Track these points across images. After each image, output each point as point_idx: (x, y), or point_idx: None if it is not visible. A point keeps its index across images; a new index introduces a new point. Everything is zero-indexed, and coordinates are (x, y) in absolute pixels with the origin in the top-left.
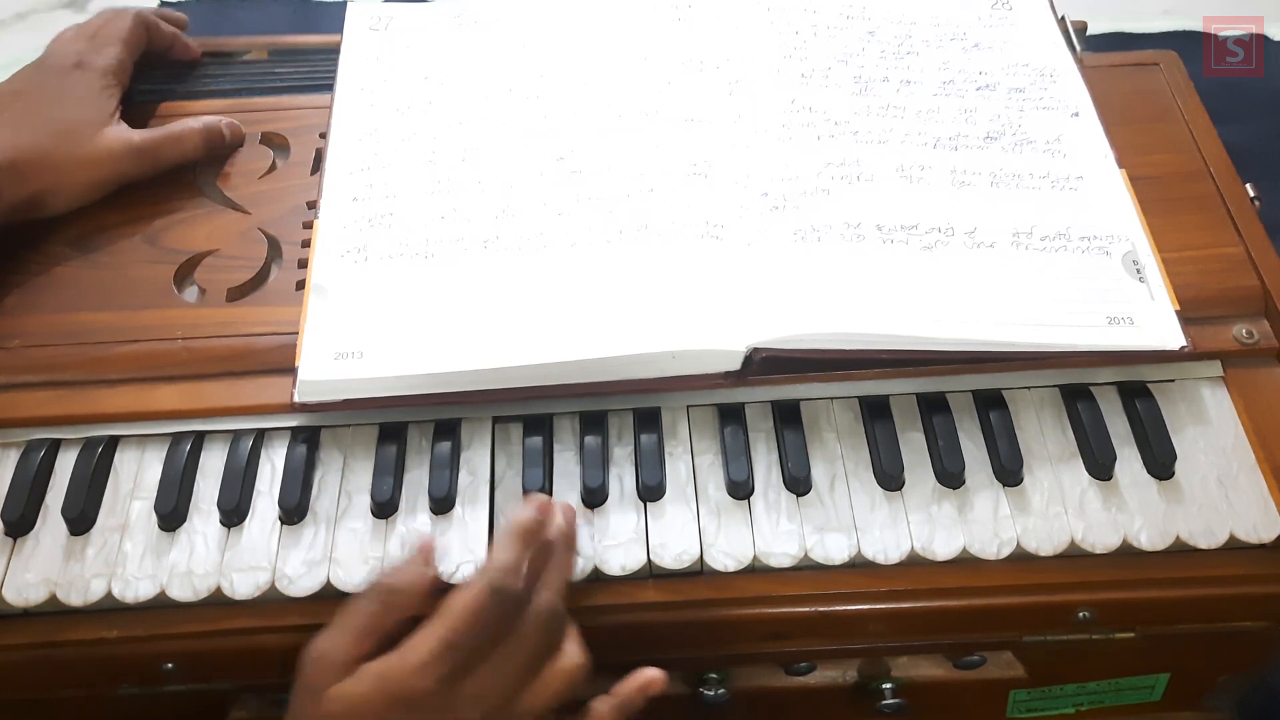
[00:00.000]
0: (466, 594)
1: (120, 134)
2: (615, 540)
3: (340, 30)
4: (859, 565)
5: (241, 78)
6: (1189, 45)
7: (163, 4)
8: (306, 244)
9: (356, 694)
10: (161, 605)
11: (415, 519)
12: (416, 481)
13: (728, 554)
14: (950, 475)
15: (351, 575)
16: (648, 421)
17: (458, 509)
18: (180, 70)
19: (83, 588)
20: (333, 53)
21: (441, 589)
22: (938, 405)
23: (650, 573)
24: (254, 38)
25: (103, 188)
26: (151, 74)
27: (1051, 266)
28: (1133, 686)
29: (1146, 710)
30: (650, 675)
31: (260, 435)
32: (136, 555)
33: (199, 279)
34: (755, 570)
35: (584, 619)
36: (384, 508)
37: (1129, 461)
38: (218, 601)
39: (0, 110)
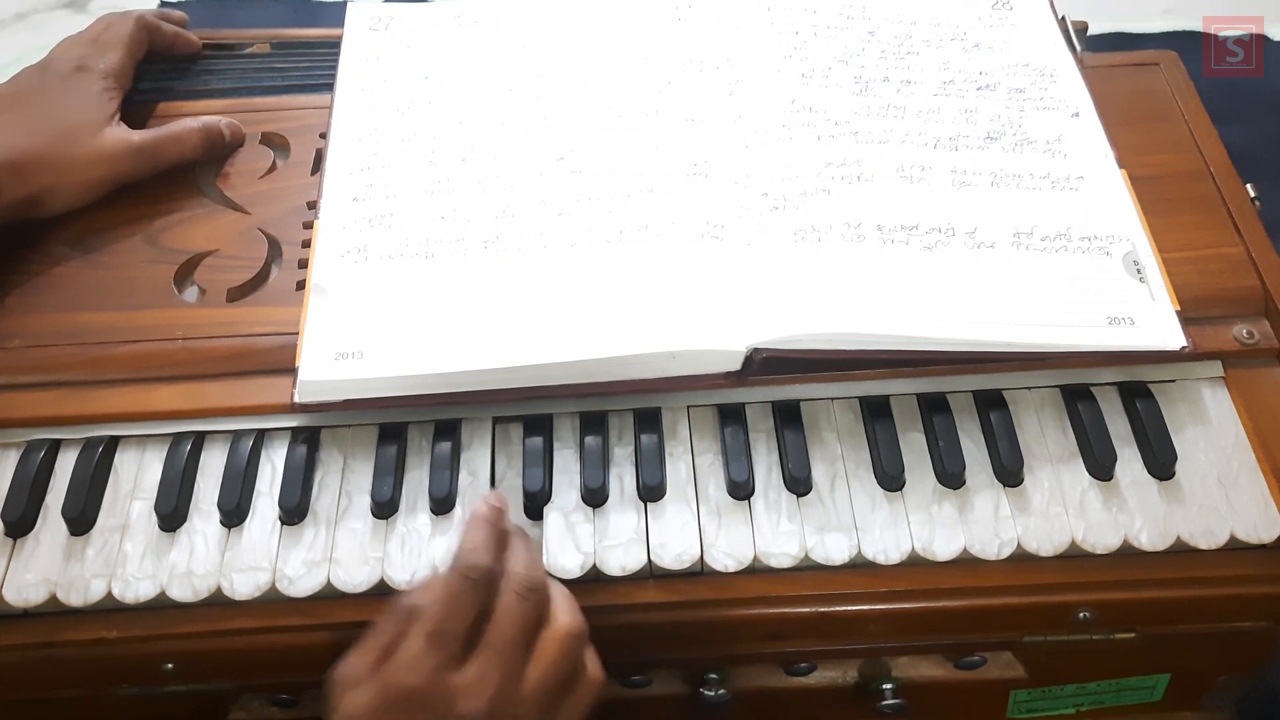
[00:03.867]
0: (440, 581)
1: (120, 134)
2: (615, 540)
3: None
4: (859, 565)
5: (242, 76)
6: (1189, 45)
7: (163, 4)
8: (306, 244)
9: (360, 703)
10: (161, 605)
11: (415, 519)
12: (416, 482)
13: (728, 554)
14: (950, 475)
15: (351, 575)
16: (648, 421)
17: (458, 509)
18: (181, 67)
19: (83, 588)
20: (335, 46)
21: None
22: (938, 405)
23: (650, 573)
24: (256, 30)
25: (102, 187)
26: (152, 70)
27: (1052, 267)
28: (1133, 687)
29: (1146, 710)
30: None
31: (260, 435)
32: (136, 555)
33: (199, 279)
34: (755, 570)
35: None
36: (384, 508)
37: (1129, 462)
38: (218, 602)
39: (1, 111)
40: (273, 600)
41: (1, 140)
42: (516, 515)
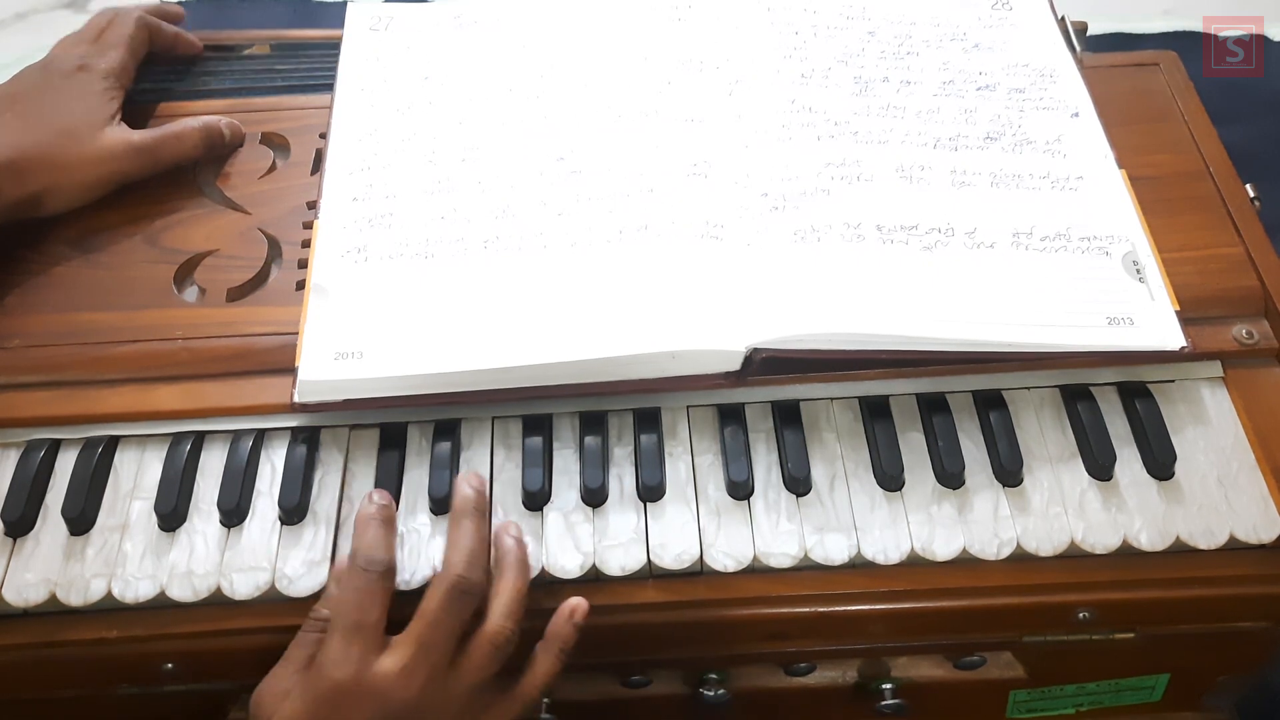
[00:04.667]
0: (346, 580)
1: (120, 133)
2: (615, 540)
3: (340, 31)
4: (859, 565)
5: (242, 77)
6: (1189, 45)
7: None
8: (306, 244)
9: (293, 709)
10: (161, 605)
11: (415, 519)
12: (416, 481)
13: (728, 554)
14: (950, 475)
15: None
16: (648, 421)
17: None
18: (181, 68)
19: (83, 588)
20: (335, 48)
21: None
22: (938, 405)
23: (650, 573)
24: (256, 31)
25: (102, 187)
26: (153, 71)
27: (1051, 267)
28: (1133, 687)
29: (1146, 710)
30: (575, 602)
31: (260, 435)
32: (136, 555)
33: (199, 279)
34: (755, 570)
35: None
36: None
37: (1129, 462)
38: (218, 601)
39: (1, 111)
40: (273, 600)
41: (2, 140)
42: (516, 514)
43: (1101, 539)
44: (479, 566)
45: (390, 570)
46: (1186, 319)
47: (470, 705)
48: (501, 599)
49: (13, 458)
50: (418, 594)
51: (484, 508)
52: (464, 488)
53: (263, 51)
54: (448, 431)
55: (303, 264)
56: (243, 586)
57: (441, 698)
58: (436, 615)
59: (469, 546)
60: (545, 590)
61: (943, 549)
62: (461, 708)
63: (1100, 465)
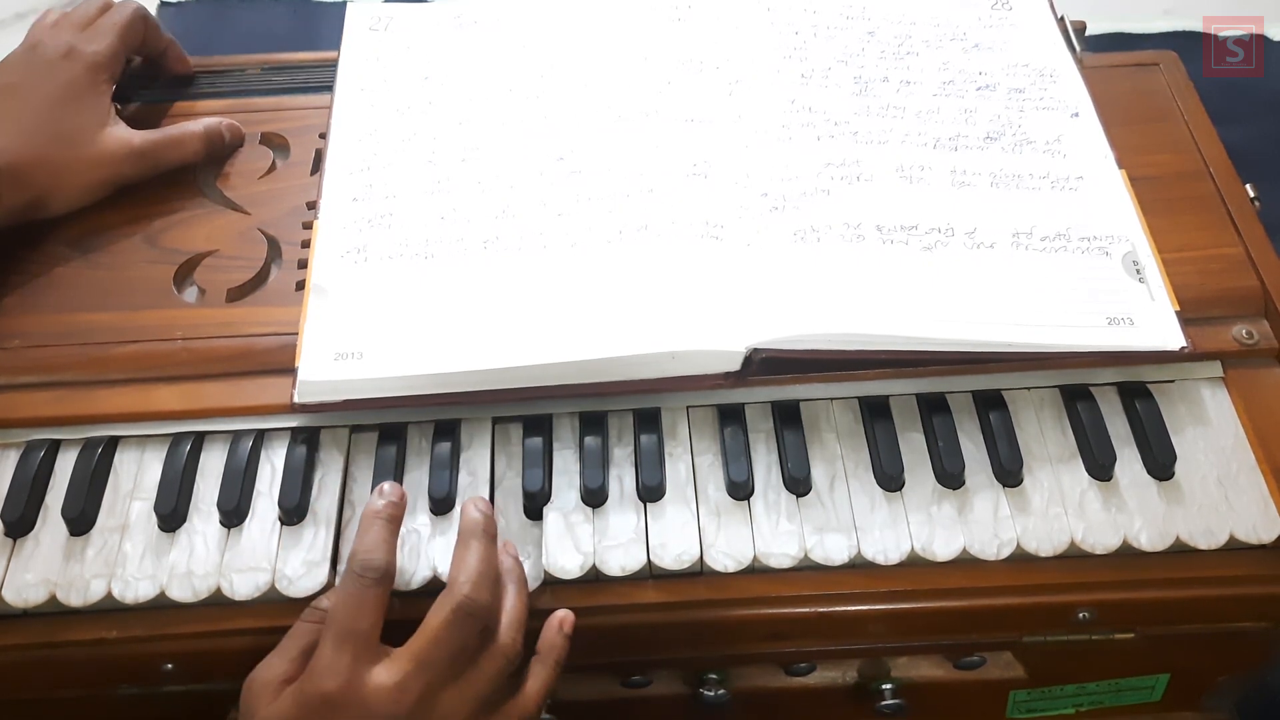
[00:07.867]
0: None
1: (120, 136)
2: (615, 541)
3: (339, 31)
4: (859, 566)
5: (242, 78)
6: (1189, 45)
7: (163, 5)
8: (306, 244)
9: (279, 712)
10: (161, 606)
11: (415, 519)
12: (416, 482)
13: (728, 554)
14: (950, 476)
15: None
16: (648, 422)
17: (457, 509)
18: (176, 81)
19: (83, 588)
20: (328, 67)
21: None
22: (938, 405)
23: (650, 573)
24: (248, 56)
25: (102, 189)
26: (151, 84)
27: (1051, 267)
28: (1132, 687)
29: (1146, 710)
30: (563, 614)
31: (260, 435)
32: (136, 556)
33: (199, 279)
34: (755, 571)
35: (584, 619)
36: None
37: (1129, 462)
38: (218, 602)
39: None
40: (273, 601)
41: (0, 144)
42: (516, 514)
43: (1101, 539)
44: (487, 588)
45: (388, 576)
46: (1186, 319)
47: None
48: (510, 614)
49: (13, 458)
50: (416, 595)
51: (493, 531)
52: (472, 511)
53: (255, 75)
54: (448, 432)
55: (303, 264)
56: (243, 587)
57: (435, 716)
58: (439, 633)
59: (477, 568)
60: (547, 590)
61: (943, 549)
62: None
63: (1100, 465)
